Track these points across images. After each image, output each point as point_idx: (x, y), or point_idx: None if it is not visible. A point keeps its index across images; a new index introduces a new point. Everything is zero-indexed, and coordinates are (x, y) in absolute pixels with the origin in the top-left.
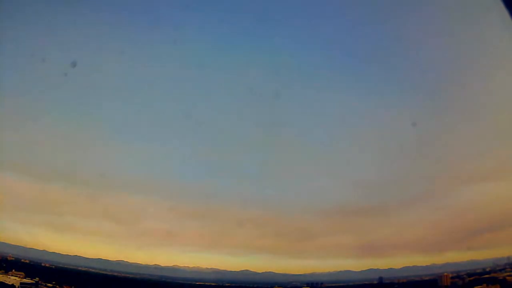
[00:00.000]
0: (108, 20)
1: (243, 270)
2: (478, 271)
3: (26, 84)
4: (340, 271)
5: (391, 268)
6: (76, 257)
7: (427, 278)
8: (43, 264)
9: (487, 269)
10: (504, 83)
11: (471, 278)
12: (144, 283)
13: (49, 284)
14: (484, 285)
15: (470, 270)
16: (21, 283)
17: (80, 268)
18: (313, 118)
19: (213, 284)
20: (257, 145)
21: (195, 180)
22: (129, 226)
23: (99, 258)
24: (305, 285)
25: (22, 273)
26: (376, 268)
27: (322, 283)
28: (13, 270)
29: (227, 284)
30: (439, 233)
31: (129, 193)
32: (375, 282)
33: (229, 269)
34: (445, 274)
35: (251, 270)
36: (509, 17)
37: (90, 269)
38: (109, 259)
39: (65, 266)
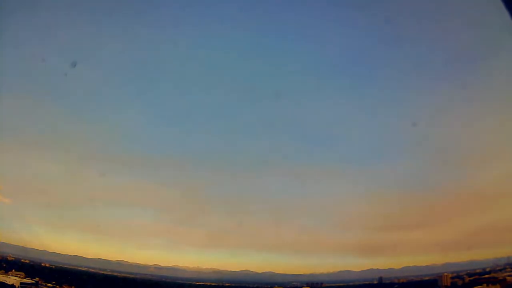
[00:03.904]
0: (108, 20)
1: (243, 270)
2: (478, 271)
3: (26, 84)
4: (340, 271)
5: (391, 268)
6: (76, 257)
7: (427, 278)
8: (43, 264)
9: (487, 269)
10: (505, 83)
11: (471, 278)
12: (144, 283)
13: (49, 284)
14: (484, 285)
15: (470, 270)
16: (21, 283)
17: (80, 268)
18: (313, 117)
19: (213, 284)
20: (258, 144)
21: (195, 180)
22: (129, 225)
23: (99, 258)
24: (305, 285)
25: (22, 273)
26: (376, 268)
27: (322, 283)
28: (13, 270)
29: (227, 284)
30: (440, 233)
31: (129, 193)
32: (375, 282)
33: (229, 269)
34: (445, 274)
35: (251, 270)
36: (509, 17)
37: (90, 269)
38: (109, 259)
39: (65, 266)
